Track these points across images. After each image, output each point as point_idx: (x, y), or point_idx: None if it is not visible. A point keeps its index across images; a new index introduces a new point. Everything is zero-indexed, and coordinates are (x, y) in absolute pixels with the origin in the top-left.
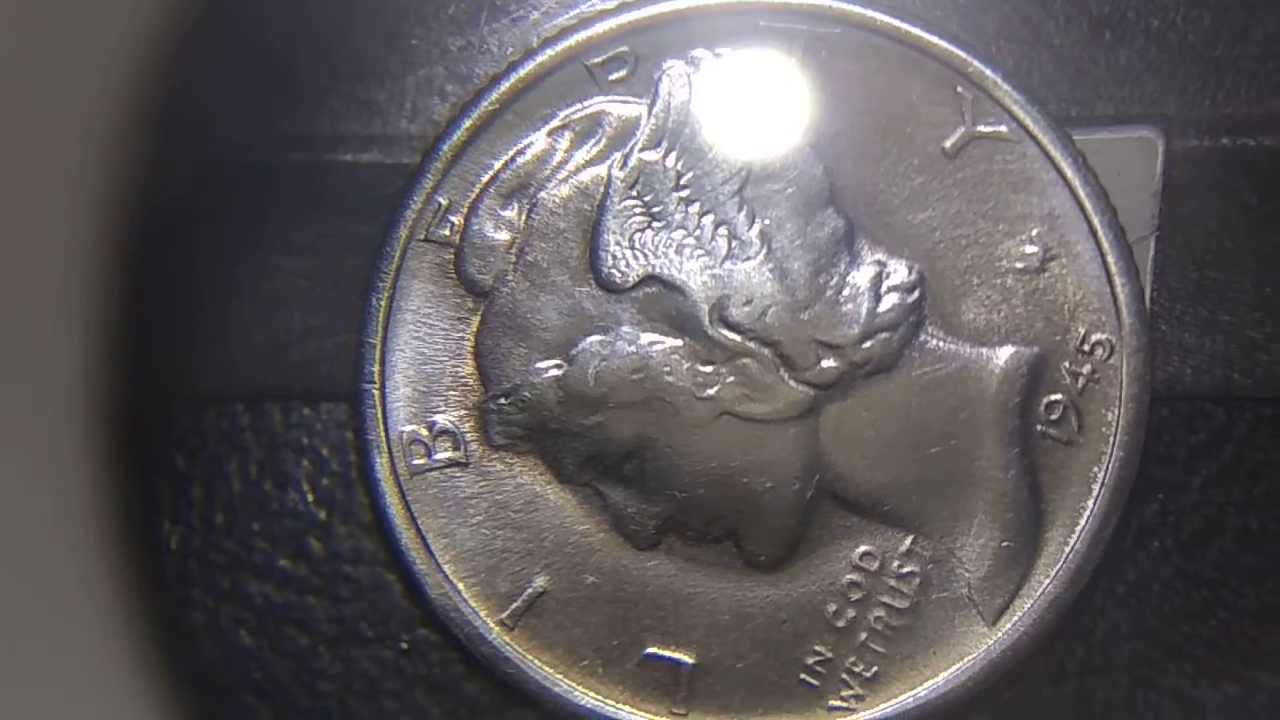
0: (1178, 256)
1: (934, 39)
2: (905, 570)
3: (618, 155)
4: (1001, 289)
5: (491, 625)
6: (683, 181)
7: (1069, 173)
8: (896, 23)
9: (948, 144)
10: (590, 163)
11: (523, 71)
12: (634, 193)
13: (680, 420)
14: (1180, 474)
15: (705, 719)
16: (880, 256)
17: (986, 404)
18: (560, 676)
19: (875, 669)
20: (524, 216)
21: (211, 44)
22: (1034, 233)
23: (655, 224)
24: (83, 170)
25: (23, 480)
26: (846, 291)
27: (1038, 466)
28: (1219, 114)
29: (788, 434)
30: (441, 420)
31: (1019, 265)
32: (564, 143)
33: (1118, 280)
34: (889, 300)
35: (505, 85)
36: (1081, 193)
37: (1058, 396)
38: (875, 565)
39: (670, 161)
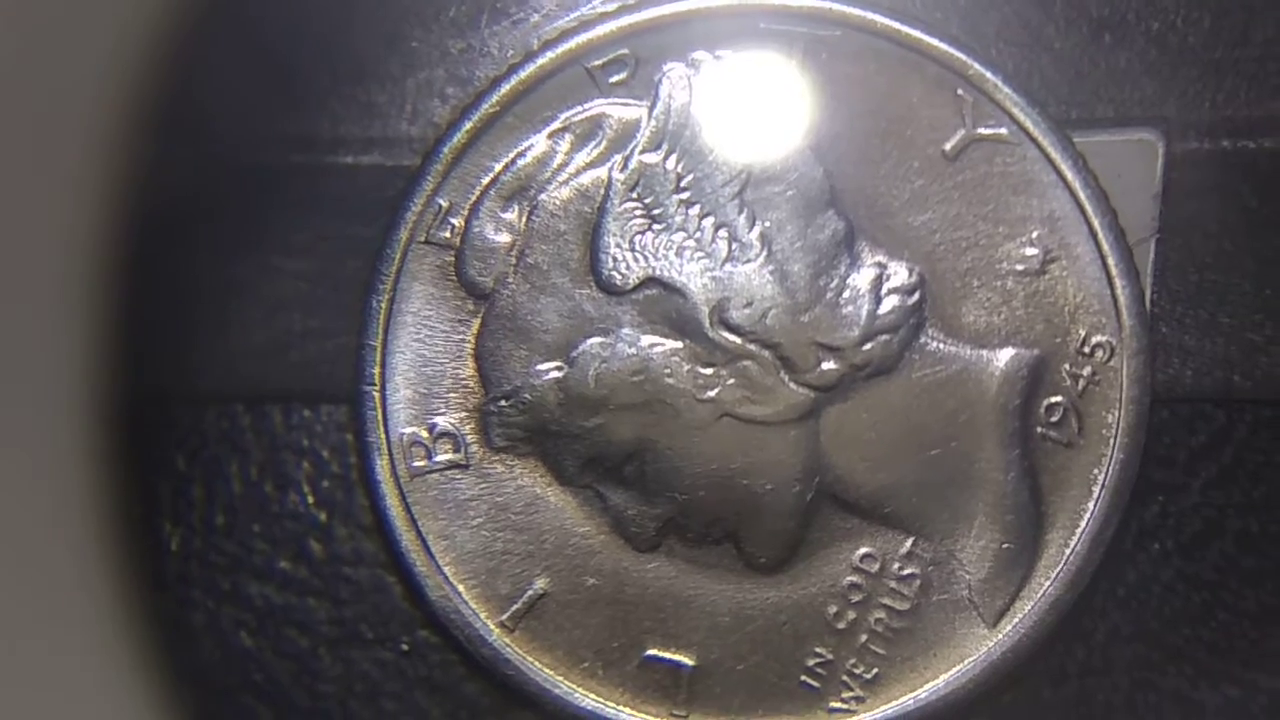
0: (1178, 259)
1: (934, 41)
2: (905, 572)
3: (618, 157)
4: (1002, 291)
5: (492, 627)
6: (683, 184)
7: (1069, 175)
8: (897, 25)
9: (948, 146)
10: (591, 165)
11: (523, 74)
12: (634, 195)
13: (681, 422)
14: (1180, 476)
15: None
16: (880, 259)
17: (987, 406)
18: (560, 678)
19: (875, 671)
20: (524, 219)
21: (212, 45)
22: (1034, 235)
23: (656, 226)
24: (83, 171)
25: (23, 480)
26: (847, 294)
27: (1038, 468)
28: (1219, 116)
29: (788, 436)
30: (442, 422)
31: (1019, 267)
32: (564, 145)
33: (1118, 282)
34: (889, 302)
35: (506, 88)
36: (1082, 195)
37: (1058, 398)
38: (875, 567)
39: (670, 164)
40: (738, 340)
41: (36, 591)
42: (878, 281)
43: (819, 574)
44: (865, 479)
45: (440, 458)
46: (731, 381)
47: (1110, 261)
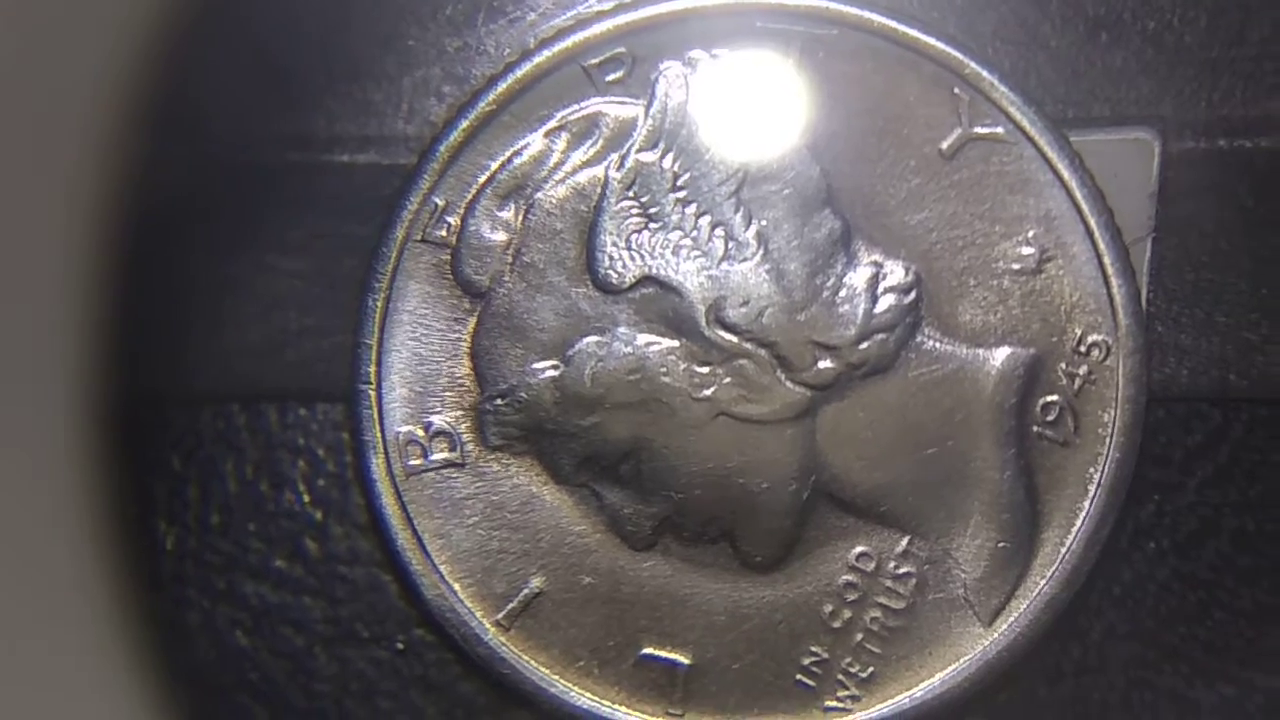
0: (1174, 258)
1: (931, 40)
2: (901, 571)
3: (614, 156)
4: (998, 290)
5: (487, 626)
6: (679, 182)
7: (1065, 174)
8: (893, 24)
9: (944, 145)
10: (587, 164)
11: (520, 73)
12: (631, 194)
13: (677, 421)
14: (1176, 475)
15: (701, 719)
16: (877, 257)
17: (983, 405)
18: (556, 677)
19: (871, 670)
20: (521, 217)
21: (208, 44)
22: (1030, 234)
23: (652, 225)
24: (79, 169)
25: (18, 480)
26: (843, 292)
27: (1034, 467)
28: (1215, 115)
29: (784, 435)
30: (438, 421)
31: (1015, 266)
32: (561, 144)
33: (1114, 281)
34: (885, 301)
35: (502, 86)
36: (1078, 194)
37: (1054, 397)
38: (871, 566)
39: (667, 162)
40: (734, 339)
41: (32, 591)
42: (874, 280)
43: (815, 573)
44: (861, 478)
45: (436, 456)
46: (727, 380)
47: (1106, 261)
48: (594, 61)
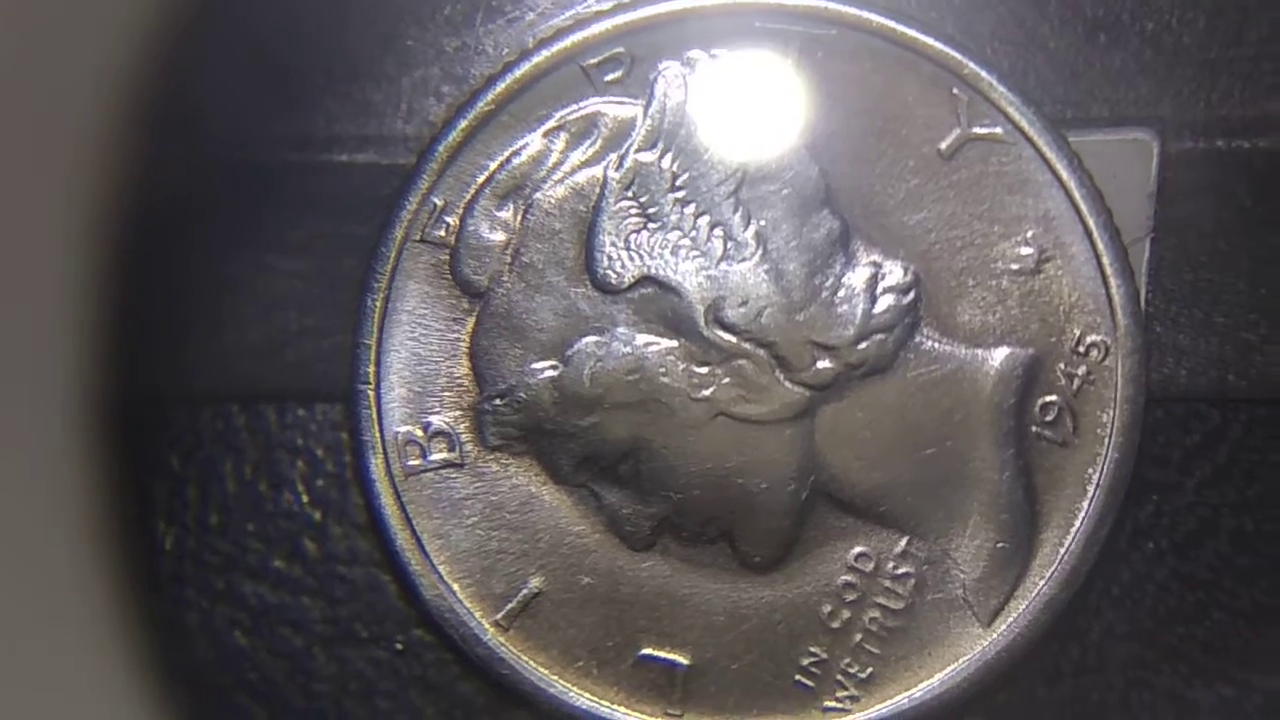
0: (1173, 258)
1: (929, 40)
2: (900, 571)
3: (613, 156)
4: (997, 290)
5: (486, 626)
6: (678, 182)
7: (1064, 174)
8: (892, 24)
9: (943, 145)
10: (586, 164)
11: (518, 72)
12: (629, 194)
13: (675, 421)
14: (1175, 475)
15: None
16: (876, 258)
17: (982, 405)
18: (555, 677)
19: (870, 670)
20: (519, 217)
21: (207, 43)
22: (1029, 234)
23: (651, 225)
24: (78, 169)
25: (17, 480)
26: (842, 293)
27: (1033, 468)
28: (1214, 116)
29: (783, 435)
30: (437, 421)
31: (1014, 267)
32: (559, 144)
33: (1113, 282)
34: (884, 301)
35: (501, 86)
36: (1077, 194)
37: (1053, 398)
38: (870, 566)
39: (666, 162)
40: (733, 339)
41: (31, 591)
42: (873, 280)
43: (814, 573)
44: (860, 478)
45: (435, 456)
46: (726, 380)
47: (1105, 261)
48: (593, 61)
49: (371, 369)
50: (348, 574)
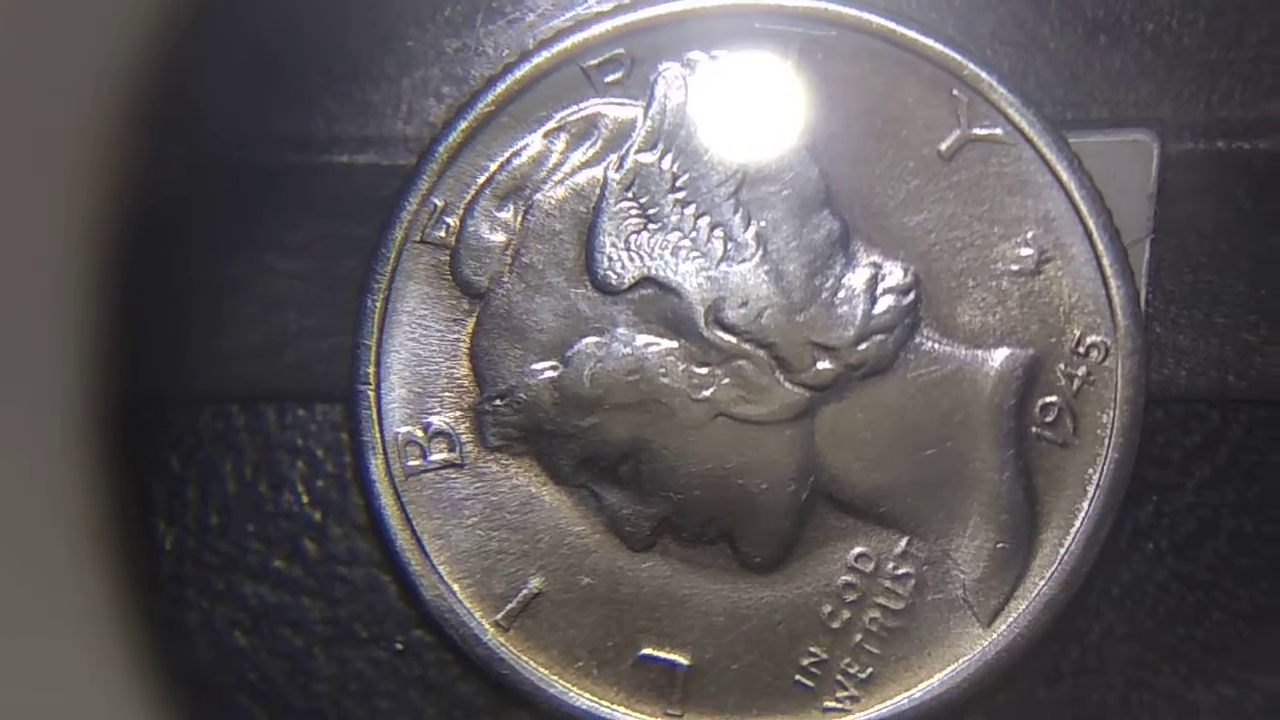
0: (1173, 259)
1: (929, 42)
2: (900, 572)
3: (613, 157)
4: (997, 291)
5: (486, 626)
6: (678, 183)
7: (1064, 175)
8: (892, 25)
9: (943, 146)
10: (586, 165)
11: (518, 73)
12: (629, 195)
13: (676, 422)
14: (1175, 476)
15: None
16: (876, 259)
17: (981, 406)
18: (555, 678)
19: (870, 670)
20: (520, 218)
21: (207, 44)
22: (1029, 235)
23: (651, 226)
24: (77, 170)
25: (18, 481)
26: (842, 293)
27: (1033, 468)
28: (1214, 117)
29: (783, 436)
30: (437, 421)
31: (1014, 267)
32: (560, 145)
33: (1113, 283)
34: (884, 302)
35: (501, 87)
36: (1077, 195)
37: (1053, 398)
38: (870, 567)
39: (666, 163)
40: (733, 340)
41: (31, 591)
42: (873, 281)
43: (814, 573)
44: (860, 478)
45: (435, 457)
46: (726, 381)
47: (1105, 262)
48: (593, 63)
49: (371, 369)
50: (348, 574)
